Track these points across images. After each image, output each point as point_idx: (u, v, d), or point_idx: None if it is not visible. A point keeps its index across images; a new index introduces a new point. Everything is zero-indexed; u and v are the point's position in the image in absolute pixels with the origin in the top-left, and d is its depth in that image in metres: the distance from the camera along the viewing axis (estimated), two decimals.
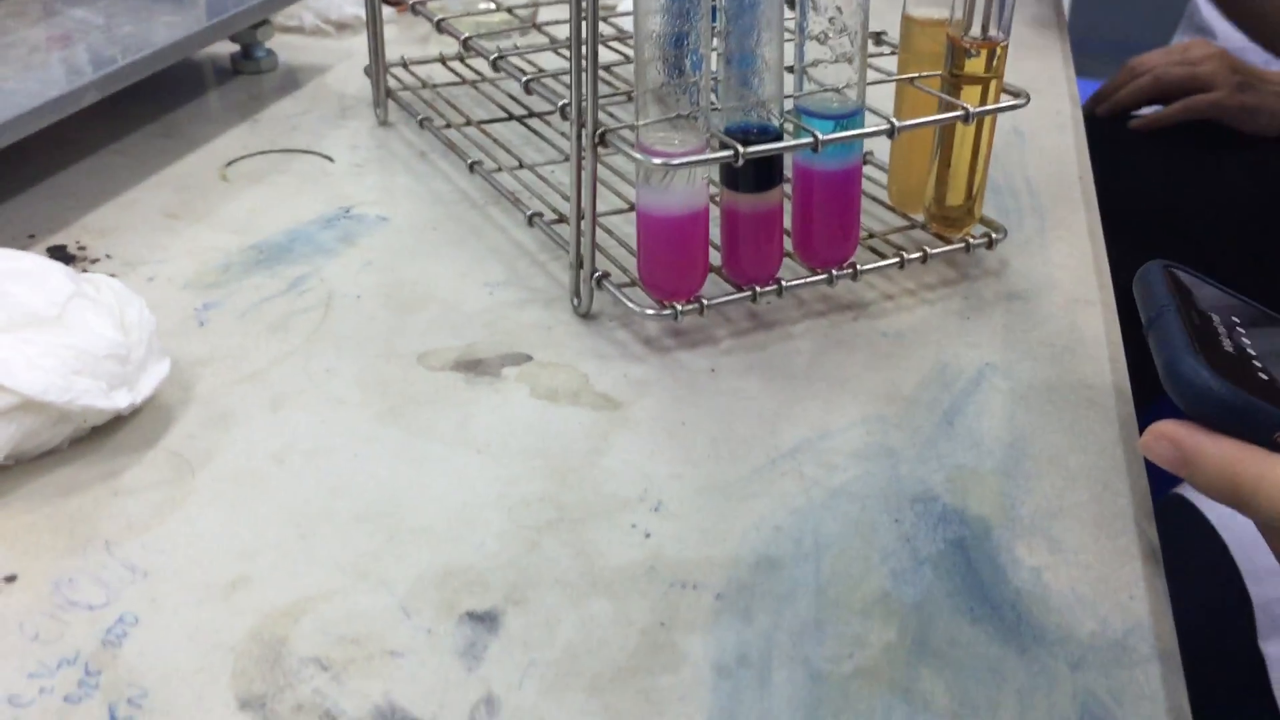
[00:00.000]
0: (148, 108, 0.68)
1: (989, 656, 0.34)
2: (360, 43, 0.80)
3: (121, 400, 0.40)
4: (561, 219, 0.55)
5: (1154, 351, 0.34)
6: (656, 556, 0.37)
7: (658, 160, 0.44)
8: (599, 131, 0.46)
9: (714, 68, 0.46)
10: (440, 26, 0.59)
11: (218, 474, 0.40)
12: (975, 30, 0.49)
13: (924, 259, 0.51)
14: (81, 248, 0.53)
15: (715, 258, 0.49)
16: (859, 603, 0.35)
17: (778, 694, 0.32)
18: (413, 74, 0.71)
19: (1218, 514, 0.66)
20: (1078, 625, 0.35)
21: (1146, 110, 1.09)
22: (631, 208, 0.56)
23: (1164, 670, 0.33)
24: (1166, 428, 0.34)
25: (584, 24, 0.44)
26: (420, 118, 0.64)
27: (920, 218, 0.55)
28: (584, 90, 0.45)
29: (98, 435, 0.41)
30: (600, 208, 0.53)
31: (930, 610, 0.35)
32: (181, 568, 0.36)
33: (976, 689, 0.33)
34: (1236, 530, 0.65)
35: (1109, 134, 1.05)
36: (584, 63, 0.45)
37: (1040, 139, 0.69)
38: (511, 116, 0.66)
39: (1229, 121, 1.03)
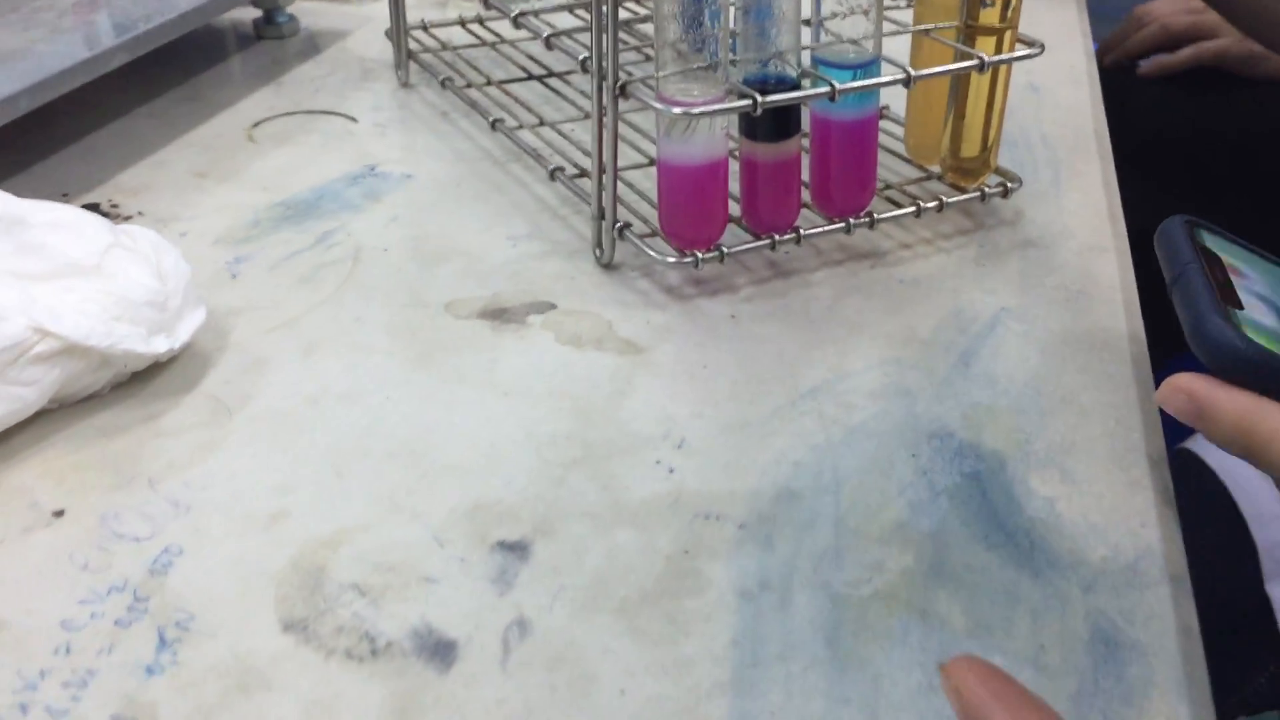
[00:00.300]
0: (173, 72, 0.69)
1: (1003, 580, 0.35)
2: (379, 7, 0.81)
3: (160, 345, 0.41)
4: (583, 174, 0.55)
5: (1178, 310, 0.35)
6: (680, 490, 0.38)
7: (678, 110, 0.45)
8: (620, 84, 0.46)
9: (732, 21, 0.47)
10: (488, 3, 0.60)
11: (254, 416, 0.41)
12: None
13: (940, 208, 0.52)
14: (114, 205, 0.55)
15: (735, 210, 0.50)
16: (877, 531, 0.37)
17: (799, 615, 0.33)
18: (433, 36, 0.72)
19: (1218, 460, 0.67)
20: (1090, 551, 0.36)
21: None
22: (651, 163, 0.57)
23: (1174, 592, 0.34)
24: (1182, 380, 0.35)
25: None
26: (442, 78, 0.65)
27: (936, 169, 0.56)
28: (605, 44, 0.46)
29: (137, 380, 0.42)
30: (620, 163, 0.54)
31: (946, 538, 0.36)
32: (223, 503, 0.37)
33: (991, 610, 0.34)
34: (1240, 478, 0.66)
35: (1116, 80, 1.05)
36: (605, 17, 0.45)
37: (1056, 93, 0.69)
38: (531, 76, 0.67)
39: (1235, 68, 1.03)
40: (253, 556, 0.35)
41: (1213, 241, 0.37)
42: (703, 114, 0.45)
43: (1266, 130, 1.00)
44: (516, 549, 0.36)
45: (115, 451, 0.39)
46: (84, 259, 0.42)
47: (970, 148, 0.54)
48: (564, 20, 0.70)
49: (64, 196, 0.55)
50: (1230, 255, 0.36)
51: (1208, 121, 1.03)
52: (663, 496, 0.38)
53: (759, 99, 0.45)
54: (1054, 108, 0.67)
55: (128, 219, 0.54)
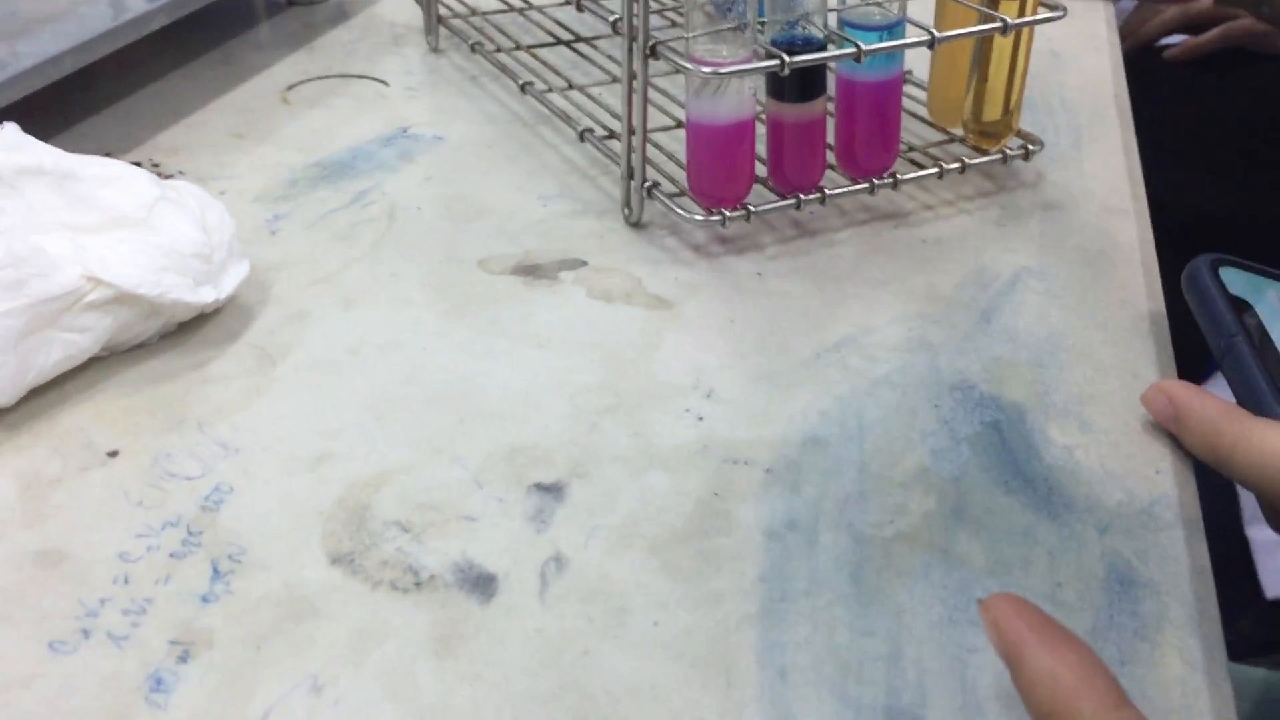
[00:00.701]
0: (206, 37, 0.70)
1: (1022, 522, 0.36)
2: None
3: (207, 295, 0.43)
4: (612, 135, 0.57)
5: (1231, 387, 0.37)
6: (709, 437, 0.39)
7: (707, 70, 0.46)
8: (650, 44, 0.47)
9: None
10: None
11: (297, 365, 0.43)
12: None
13: (962, 169, 0.53)
14: (155, 164, 0.56)
15: (761, 172, 0.51)
16: (900, 476, 0.38)
17: (824, 554, 0.35)
18: (462, 2, 0.73)
19: None
20: (1106, 495, 0.37)
21: (1173, 41, 1.09)
22: (679, 125, 0.58)
23: (1187, 534, 0.36)
24: (1166, 384, 0.39)
25: None
26: (471, 42, 0.66)
27: (959, 132, 0.57)
28: (634, 6, 0.47)
29: (184, 330, 0.44)
30: (649, 124, 0.55)
31: (967, 483, 0.38)
32: (269, 445, 0.39)
33: (1010, 550, 0.35)
34: None
35: (1136, 63, 1.06)
36: None
37: (1077, 60, 0.70)
38: (559, 41, 0.68)
39: (1262, 46, 1.03)
40: (300, 495, 0.36)
41: (1239, 282, 0.39)
42: (731, 74, 0.46)
43: None
44: (552, 490, 0.37)
45: (165, 396, 0.41)
46: (133, 212, 0.43)
47: (992, 111, 0.55)
48: None
49: (106, 155, 0.57)
50: (1259, 301, 0.38)
51: (1233, 100, 1.03)
52: (692, 442, 0.39)
53: (786, 59, 0.46)
54: (1075, 73, 0.68)
55: (169, 177, 0.55)
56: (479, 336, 0.44)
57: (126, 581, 0.33)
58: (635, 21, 0.47)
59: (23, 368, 0.39)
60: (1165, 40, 1.09)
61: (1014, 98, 0.55)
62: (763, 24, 0.49)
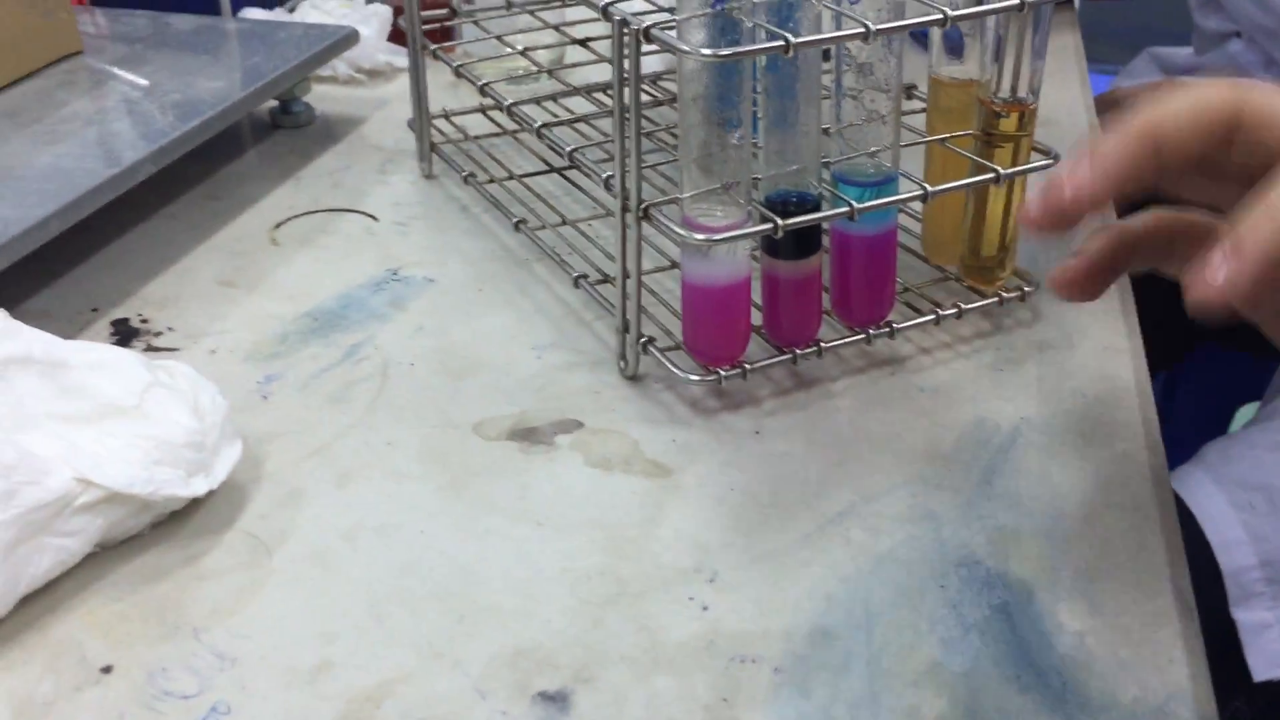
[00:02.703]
0: (194, 168, 0.70)
1: None
2: (394, 90, 0.82)
3: (200, 487, 0.42)
4: (607, 279, 0.56)
5: None
6: (715, 630, 0.39)
7: (700, 236, 0.46)
8: (642, 206, 0.47)
9: (755, 134, 0.48)
10: (484, 91, 0.61)
11: (292, 555, 0.42)
12: (1004, 92, 0.51)
13: (959, 315, 0.53)
14: (144, 320, 0.55)
15: (756, 316, 0.51)
16: (911, 673, 0.37)
17: None
18: (454, 125, 0.73)
19: (1187, 490, 0.68)
20: (1121, 691, 0.37)
21: None
22: (675, 265, 0.57)
23: None
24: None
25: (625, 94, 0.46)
26: (465, 174, 0.66)
27: (954, 269, 0.57)
28: (627, 165, 0.47)
29: (176, 518, 0.43)
30: (646, 265, 0.54)
31: (979, 679, 0.37)
32: (267, 653, 0.38)
33: None
34: (1206, 506, 0.67)
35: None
36: (626, 143, 0.46)
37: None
38: (554, 169, 0.68)
39: None
40: (300, 714, 0.36)
41: None
42: (724, 240, 0.46)
43: None
44: (557, 699, 0.36)
45: (159, 598, 0.40)
46: (124, 399, 0.42)
47: (989, 248, 0.55)
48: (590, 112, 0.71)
49: (94, 311, 0.56)
50: None
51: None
52: (698, 637, 0.39)
53: (780, 222, 0.46)
54: None
55: (159, 334, 0.54)
56: (477, 514, 0.44)
57: None
58: (628, 184, 0.47)
59: (14, 578, 0.38)
60: None
61: (1009, 235, 0.55)
62: (757, 180, 0.49)
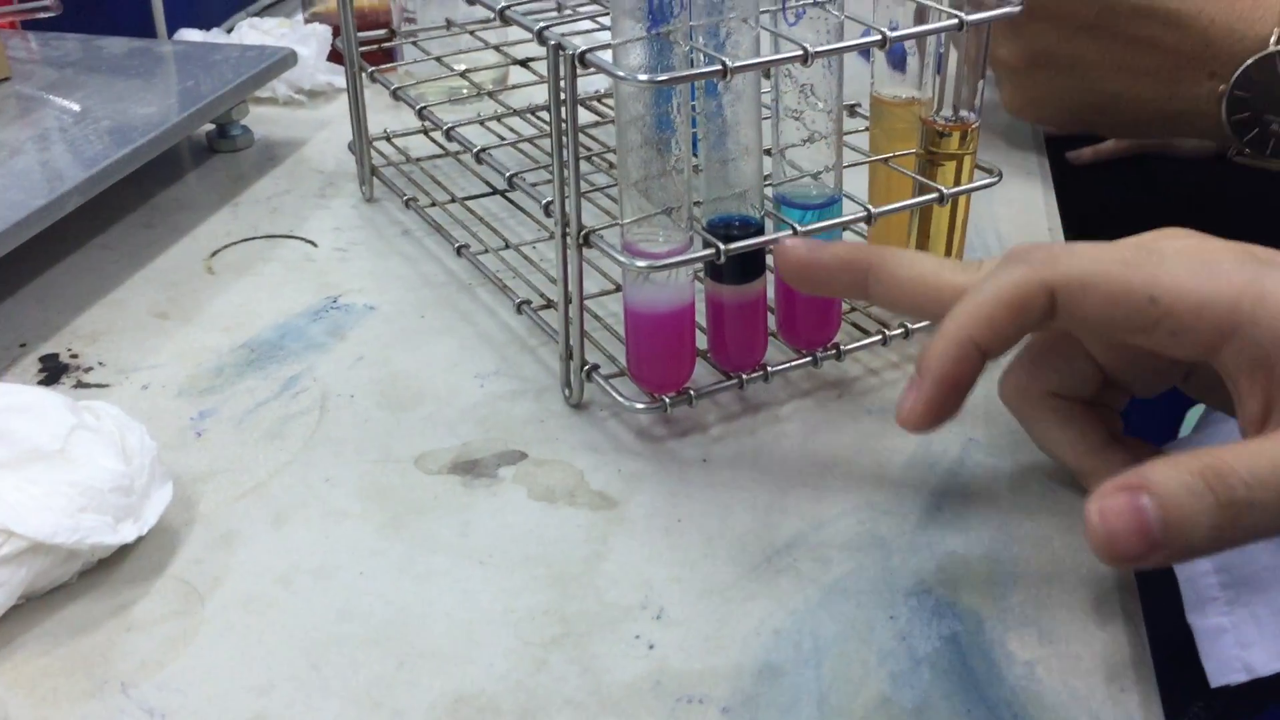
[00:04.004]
0: (129, 194, 0.68)
1: None
2: (335, 110, 0.81)
3: (128, 533, 0.41)
4: (550, 304, 0.55)
5: None
6: (661, 670, 0.38)
7: (641, 263, 0.45)
8: (583, 233, 0.46)
9: (695, 157, 0.47)
10: (422, 115, 0.60)
11: (226, 601, 0.41)
12: (947, 112, 0.51)
13: (906, 334, 0.53)
14: (74, 355, 0.54)
15: (702, 340, 0.50)
16: (860, 710, 0.37)
17: None
18: (395, 147, 0.72)
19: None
20: None
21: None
22: (620, 288, 0.57)
23: None
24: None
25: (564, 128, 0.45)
26: (406, 198, 0.65)
27: None
28: (566, 191, 0.46)
29: (105, 565, 0.42)
30: (590, 288, 0.54)
31: (930, 715, 0.36)
32: (199, 708, 0.36)
33: None
34: None
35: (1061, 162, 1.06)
36: (565, 171, 0.46)
37: (1009, 189, 0.70)
38: (496, 191, 0.67)
39: (1164, 149, 1.04)
40: None
41: None
42: (666, 266, 0.45)
43: (1205, 202, 1.01)
44: None
45: (86, 651, 0.38)
46: (47, 444, 0.41)
47: None
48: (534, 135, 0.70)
49: (22, 347, 0.55)
50: None
51: (1149, 201, 1.03)
52: (644, 678, 0.38)
53: (722, 247, 0.45)
54: (1008, 204, 0.68)
55: (88, 370, 0.53)
56: (417, 554, 0.43)
57: None
58: (567, 210, 0.46)
59: None
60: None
61: (955, 251, 0.54)
62: (699, 203, 0.48)
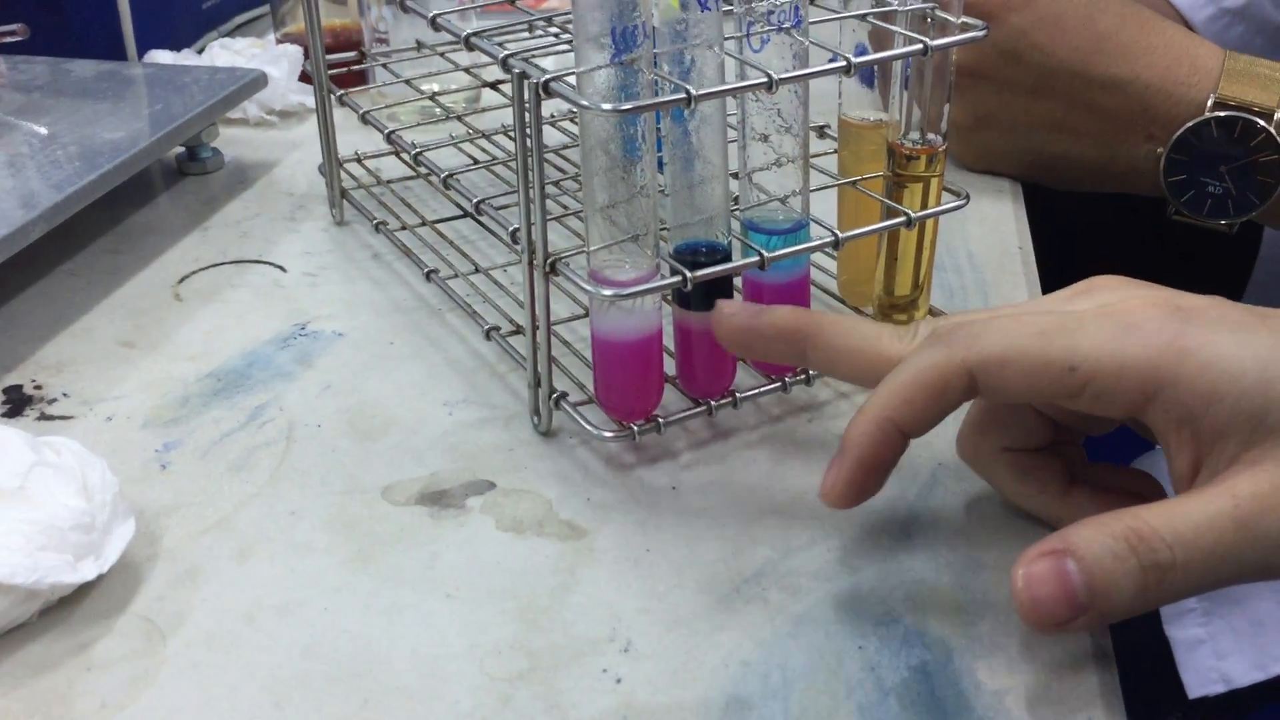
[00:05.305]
0: (97, 219, 0.68)
1: None
2: (307, 131, 0.81)
3: (89, 571, 0.40)
4: (519, 330, 0.55)
5: None
6: (629, 705, 0.38)
7: (608, 291, 0.45)
8: (550, 260, 0.46)
9: (661, 182, 0.47)
10: (390, 139, 0.60)
11: (189, 639, 0.40)
12: (914, 135, 0.51)
13: None
14: (38, 386, 0.53)
15: (670, 365, 0.50)
16: None
17: None
18: (366, 168, 0.72)
19: None
20: None
21: None
22: (589, 312, 0.56)
23: None
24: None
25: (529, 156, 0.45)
26: (375, 222, 0.65)
27: (870, 309, 0.56)
28: (532, 218, 0.46)
29: (66, 603, 0.41)
30: (559, 312, 0.54)
31: None
32: None
33: None
34: None
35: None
36: (531, 196, 0.45)
37: (980, 207, 0.70)
38: (466, 213, 0.67)
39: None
40: None
41: None
42: (632, 295, 0.45)
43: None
44: None
45: (45, 693, 0.38)
46: (4, 481, 0.41)
47: (903, 287, 0.54)
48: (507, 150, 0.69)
49: None
50: None
51: (1115, 214, 1.04)
52: (611, 713, 0.37)
53: (689, 274, 0.45)
54: (979, 222, 0.68)
55: (53, 402, 0.52)
56: (383, 588, 0.42)
57: None
58: (534, 237, 0.46)
59: None
60: None
61: (923, 274, 0.54)
62: (665, 229, 0.48)
